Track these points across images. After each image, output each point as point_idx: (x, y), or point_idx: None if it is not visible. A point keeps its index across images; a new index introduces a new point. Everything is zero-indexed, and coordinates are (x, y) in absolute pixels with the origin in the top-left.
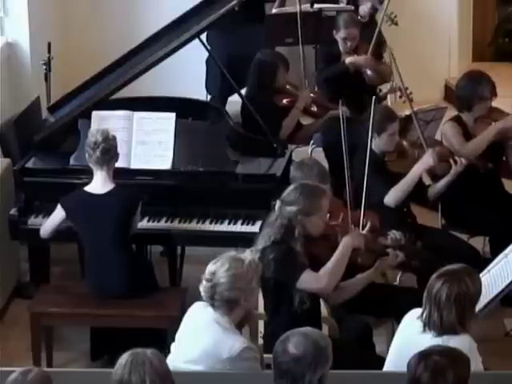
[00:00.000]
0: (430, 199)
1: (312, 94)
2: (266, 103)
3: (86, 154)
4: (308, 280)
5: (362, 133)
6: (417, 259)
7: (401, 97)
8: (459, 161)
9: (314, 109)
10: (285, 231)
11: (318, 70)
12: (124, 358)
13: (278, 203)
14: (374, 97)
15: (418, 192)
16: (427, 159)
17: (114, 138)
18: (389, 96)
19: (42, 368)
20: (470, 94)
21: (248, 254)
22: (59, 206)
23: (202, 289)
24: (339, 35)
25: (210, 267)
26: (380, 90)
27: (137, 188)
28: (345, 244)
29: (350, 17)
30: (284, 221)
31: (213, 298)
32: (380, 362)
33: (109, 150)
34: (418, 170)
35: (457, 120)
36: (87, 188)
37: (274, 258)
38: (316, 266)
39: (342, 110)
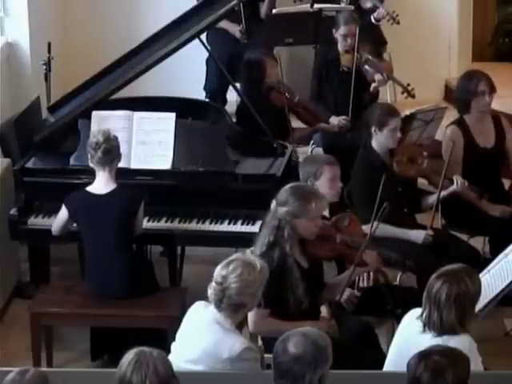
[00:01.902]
0: (423, 209)
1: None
2: (260, 102)
3: (89, 155)
4: (252, 314)
5: (361, 130)
6: (411, 259)
7: (403, 93)
8: (460, 181)
9: (306, 115)
10: (277, 232)
11: (313, 71)
12: (130, 355)
13: (273, 203)
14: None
15: (414, 198)
16: (418, 236)
17: (116, 138)
18: (389, 97)
19: (40, 368)
20: (464, 91)
21: (258, 260)
22: (63, 205)
23: (210, 291)
24: (339, 32)
25: (221, 270)
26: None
27: (138, 188)
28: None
29: (349, 14)
30: (276, 222)
31: (221, 300)
32: (382, 355)
33: (110, 150)
34: (407, 235)
35: (460, 123)
36: (89, 188)
37: None
38: (316, 266)
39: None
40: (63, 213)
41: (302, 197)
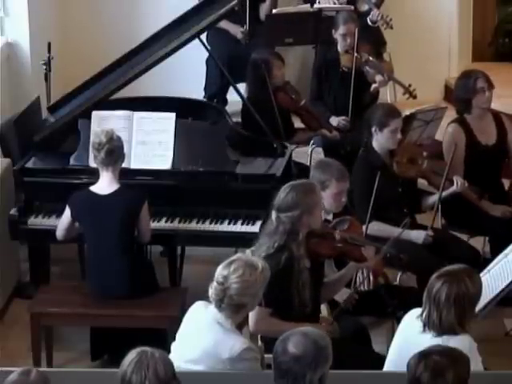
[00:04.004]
0: (423, 209)
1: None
2: (266, 101)
3: (92, 155)
4: (254, 313)
5: (362, 130)
6: (405, 253)
7: (404, 94)
8: (460, 182)
9: (309, 119)
10: (288, 236)
11: (313, 71)
12: (131, 355)
13: (274, 213)
14: None
15: (414, 199)
16: (419, 236)
17: (119, 138)
18: (389, 97)
19: (40, 368)
20: (463, 90)
21: (260, 261)
22: (67, 205)
23: (211, 290)
24: (338, 32)
25: (223, 271)
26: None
27: (141, 189)
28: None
29: (348, 13)
30: (287, 226)
31: (222, 300)
32: (375, 355)
33: (113, 150)
34: (407, 235)
35: (461, 121)
36: (93, 188)
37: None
38: (317, 265)
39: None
40: (66, 213)
41: (307, 191)
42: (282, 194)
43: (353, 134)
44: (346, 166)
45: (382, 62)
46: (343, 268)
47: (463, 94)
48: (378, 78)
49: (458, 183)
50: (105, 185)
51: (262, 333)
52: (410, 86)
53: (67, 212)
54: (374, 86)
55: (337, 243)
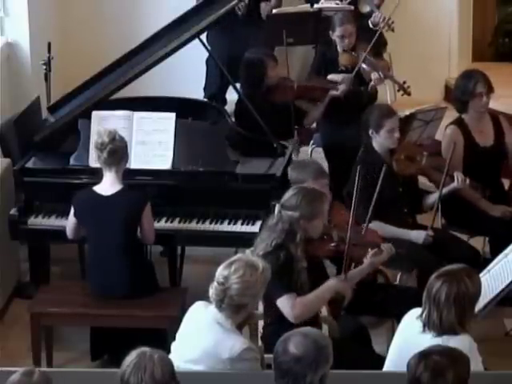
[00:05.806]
0: (424, 209)
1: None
2: (260, 101)
3: (95, 155)
4: (284, 304)
5: (361, 131)
6: (403, 248)
7: (399, 90)
8: (461, 178)
9: (313, 94)
10: (286, 236)
11: (313, 70)
12: (131, 356)
13: (277, 208)
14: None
15: (414, 198)
16: (419, 236)
17: (122, 138)
18: (388, 97)
19: (40, 368)
20: (462, 92)
21: (260, 262)
22: (72, 205)
23: (212, 290)
24: (336, 34)
25: (223, 271)
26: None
27: (143, 190)
28: (330, 286)
29: (343, 14)
30: (285, 225)
31: (222, 300)
32: (375, 355)
33: (116, 151)
34: (407, 235)
35: (459, 123)
36: (96, 188)
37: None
38: (314, 266)
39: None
40: (72, 211)
41: (314, 199)
42: (290, 193)
43: (352, 131)
44: (346, 166)
45: (379, 60)
46: (341, 266)
47: (461, 95)
48: (374, 75)
49: (459, 179)
50: (107, 185)
51: (303, 317)
52: (404, 82)
53: (72, 211)
54: (371, 84)
55: (335, 243)
